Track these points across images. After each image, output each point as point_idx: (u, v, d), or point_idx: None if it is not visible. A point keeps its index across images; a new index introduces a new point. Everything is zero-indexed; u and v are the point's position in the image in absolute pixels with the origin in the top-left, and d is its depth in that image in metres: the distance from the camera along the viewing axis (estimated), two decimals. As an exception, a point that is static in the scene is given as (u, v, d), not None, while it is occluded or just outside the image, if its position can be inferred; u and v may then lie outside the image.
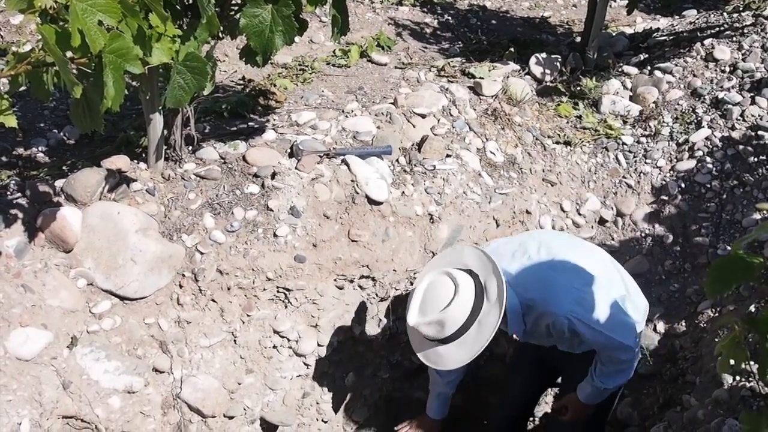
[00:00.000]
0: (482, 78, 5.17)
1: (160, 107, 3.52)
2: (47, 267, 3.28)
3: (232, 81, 5.17)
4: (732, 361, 1.48)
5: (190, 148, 3.96)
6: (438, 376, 3.82)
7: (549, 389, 4.47)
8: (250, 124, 4.38)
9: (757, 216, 4.24)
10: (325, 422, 4.30)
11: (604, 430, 4.06)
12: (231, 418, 3.83)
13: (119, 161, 3.69)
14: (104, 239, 3.40)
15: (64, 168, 3.97)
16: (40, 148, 4.28)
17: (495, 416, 4.39)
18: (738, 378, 3.25)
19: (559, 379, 4.22)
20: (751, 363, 1.69)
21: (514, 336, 3.55)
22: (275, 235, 3.79)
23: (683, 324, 4.21)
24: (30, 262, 3.27)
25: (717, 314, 3.98)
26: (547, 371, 4.00)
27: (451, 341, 3.15)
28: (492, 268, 3.21)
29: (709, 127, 4.79)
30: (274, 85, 4.99)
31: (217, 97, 4.55)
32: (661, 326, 4.30)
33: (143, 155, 3.87)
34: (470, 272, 3.23)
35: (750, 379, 3.15)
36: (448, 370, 3.51)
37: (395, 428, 4.16)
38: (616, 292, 3.37)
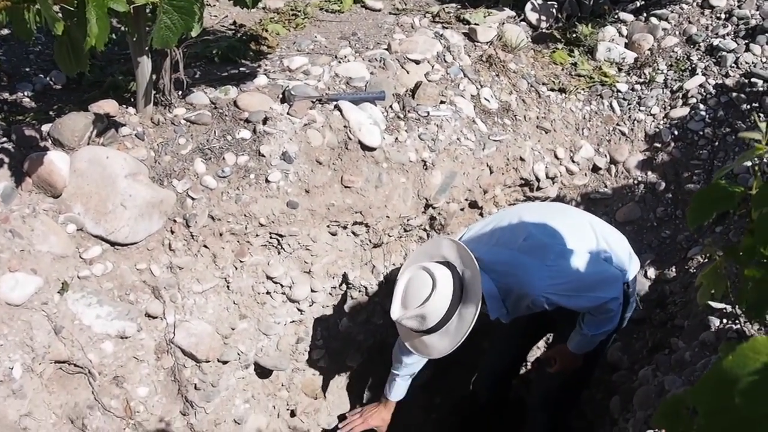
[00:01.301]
0: (477, 24, 5.11)
1: (147, 49, 3.48)
2: (35, 212, 3.27)
3: (223, 26, 5.11)
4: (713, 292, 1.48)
5: (180, 92, 3.93)
6: (402, 357, 3.85)
7: (541, 341, 4.51)
8: (241, 69, 4.34)
9: (747, 164, 4.23)
10: (319, 367, 4.33)
11: (587, 383, 4.10)
12: (225, 362, 3.85)
13: (107, 105, 3.66)
14: (93, 184, 3.39)
15: (51, 113, 3.92)
16: (26, 93, 4.23)
17: (484, 368, 4.41)
18: (725, 321, 3.27)
19: (550, 337, 4.26)
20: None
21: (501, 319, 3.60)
22: (267, 181, 3.77)
23: (673, 270, 4.22)
24: (17, 207, 3.25)
25: (707, 260, 3.99)
26: (541, 325, 4.04)
27: (433, 332, 3.27)
28: (468, 259, 3.32)
29: (703, 75, 4.75)
30: (266, 30, 4.93)
31: (207, 41, 4.50)
32: (651, 272, 4.31)
33: (132, 100, 3.84)
34: (448, 264, 3.33)
35: (737, 321, 3.17)
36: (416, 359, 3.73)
37: (345, 415, 4.18)
38: (592, 250, 3.42)
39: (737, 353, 0.90)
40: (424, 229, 4.39)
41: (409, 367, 3.87)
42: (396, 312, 3.29)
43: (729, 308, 3.29)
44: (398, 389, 3.96)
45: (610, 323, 3.49)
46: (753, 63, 4.65)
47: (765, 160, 1.30)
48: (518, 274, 3.33)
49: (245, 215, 3.74)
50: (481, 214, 4.55)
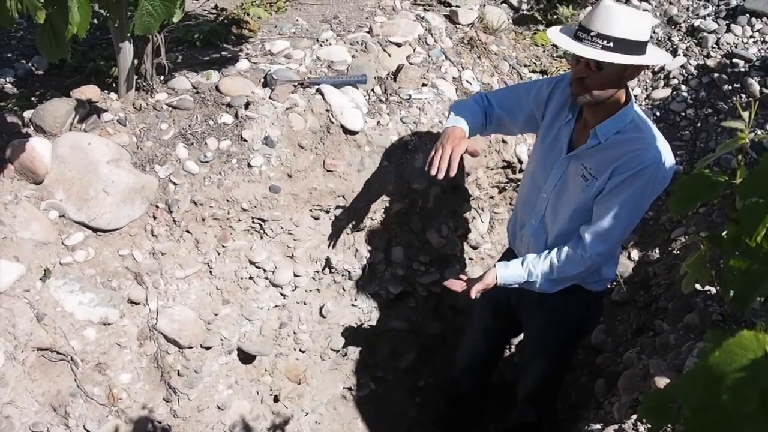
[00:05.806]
0: (458, 6, 5.09)
1: (129, 35, 3.46)
2: (17, 199, 3.25)
3: (205, 10, 5.07)
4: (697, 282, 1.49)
5: (162, 77, 3.90)
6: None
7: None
8: (222, 53, 4.31)
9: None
10: (303, 352, 4.33)
11: (569, 368, 4.03)
12: (208, 348, 3.84)
13: (89, 91, 3.64)
14: (75, 170, 3.37)
15: (32, 99, 3.89)
16: (7, 79, 4.17)
17: (460, 357, 4.37)
18: (709, 303, 3.29)
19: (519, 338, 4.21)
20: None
21: (556, 169, 3.30)
22: (249, 166, 3.76)
23: (657, 251, 4.24)
24: None
25: (690, 241, 4.02)
26: (508, 321, 3.80)
27: (586, 40, 2.82)
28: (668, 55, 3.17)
29: (685, 55, 4.78)
30: (248, 14, 4.90)
31: (188, 26, 4.47)
32: (635, 254, 4.33)
33: (114, 85, 3.81)
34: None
35: (721, 304, 3.19)
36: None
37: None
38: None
39: (724, 349, 0.91)
40: (405, 213, 4.38)
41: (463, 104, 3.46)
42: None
43: (713, 290, 3.31)
44: (452, 116, 3.34)
45: (557, 283, 3.21)
46: (734, 43, 4.67)
47: (748, 142, 1.30)
48: (658, 136, 3.00)
49: (227, 200, 3.73)
50: (463, 198, 4.54)
